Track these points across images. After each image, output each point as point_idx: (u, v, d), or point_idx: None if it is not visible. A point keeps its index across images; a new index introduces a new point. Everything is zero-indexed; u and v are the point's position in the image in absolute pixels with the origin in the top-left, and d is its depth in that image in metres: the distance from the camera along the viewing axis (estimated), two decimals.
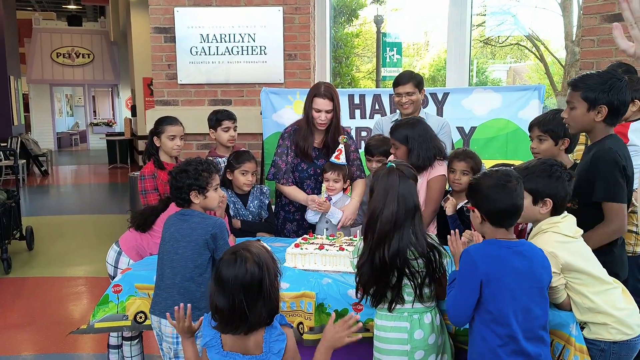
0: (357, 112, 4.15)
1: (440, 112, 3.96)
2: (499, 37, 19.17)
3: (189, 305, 1.88)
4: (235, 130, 3.58)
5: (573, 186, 2.13)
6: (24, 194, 10.40)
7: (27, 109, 17.70)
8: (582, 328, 2.03)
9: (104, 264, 3.05)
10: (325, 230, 3.14)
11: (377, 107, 4.12)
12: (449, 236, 2.15)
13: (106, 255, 3.02)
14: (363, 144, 4.05)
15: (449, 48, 4.70)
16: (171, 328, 2.35)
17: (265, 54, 4.59)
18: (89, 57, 18.34)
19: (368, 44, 18.50)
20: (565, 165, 2.21)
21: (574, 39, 13.69)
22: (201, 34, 4.59)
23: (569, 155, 2.66)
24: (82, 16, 18.64)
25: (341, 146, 3.20)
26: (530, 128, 2.70)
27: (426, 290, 2.05)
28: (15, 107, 13.16)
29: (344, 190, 3.32)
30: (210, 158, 3.37)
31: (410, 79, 3.32)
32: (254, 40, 4.58)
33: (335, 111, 3.26)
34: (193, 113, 4.53)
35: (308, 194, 3.29)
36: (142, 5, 9.90)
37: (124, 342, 2.95)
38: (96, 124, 21.36)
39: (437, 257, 2.05)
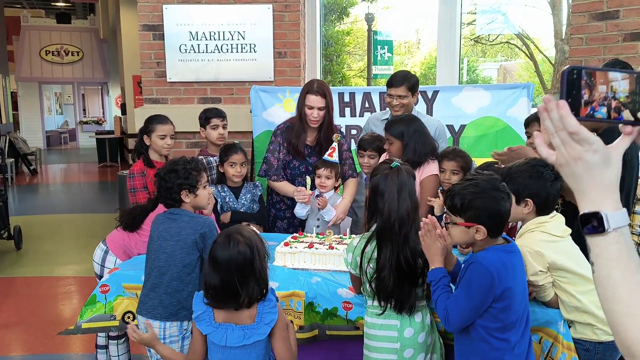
0: (347, 110, 4.15)
1: (430, 111, 3.96)
2: (489, 35, 19.24)
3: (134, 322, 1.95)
4: (224, 128, 3.56)
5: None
6: (13, 193, 10.31)
7: (15, 107, 17.55)
8: (569, 326, 2.04)
9: (92, 263, 3.02)
10: (315, 227, 3.13)
11: (367, 105, 4.11)
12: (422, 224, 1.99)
13: (93, 254, 3.00)
14: (353, 142, 4.05)
15: (439, 46, 4.70)
16: (158, 329, 2.33)
17: (255, 51, 4.57)
18: (78, 55, 18.20)
19: (359, 41, 18.49)
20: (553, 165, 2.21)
21: (563, 37, 13.76)
22: (190, 32, 4.56)
23: None
24: (72, 13, 18.47)
25: (335, 144, 3.20)
26: (528, 124, 2.70)
27: (419, 290, 2.05)
28: (4, 105, 13.04)
29: (335, 189, 3.31)
30: (202, 157, 3.36)
31: (403, 81, 3.21)
32: (244, 38, 4.55)
33: (328, 109, 3.25)
34: (182, 111, 4.50)
35: None
36: (131, 2, 9.83)
37: (110, 341, 2.93)
38: (86, 122, 21.18)
39: None
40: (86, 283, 4.89)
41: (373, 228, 2.08)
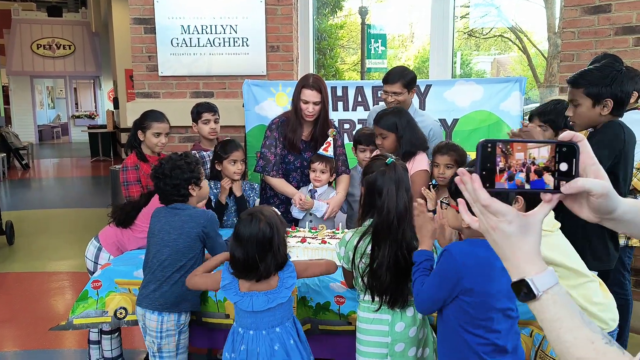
0: (340, 105, 4.14)
1: (422, 105, 3.96)
2: (482, 29, 19.25)
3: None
4: (216, 123, 3.55)
5: None
6: (5, 188, 10.25)
7: (7, 101, 17.42)
8: None
9: (84, 259, 3.01)
10: (308, 222, 3.13)
11: (359, 99, 4.11)
12: (415, 204, 2.03)
13: (85, 250, 2.99)
14: (346, 136, 4.05)
15: (432, 40, 4.69)
16: (155, 322, 2.34)
17: (247, 45, 4.54)
18: (70, 49, 18.06)
19: (353, 35, 18.45)
20: None
21: (556, 30, 13.79)
22: (182, 25, 4.53)
23: None
24: (63, 7, 18.31)
25: (330, 139, 3.20)
26: (530, 118, 2.71)
27: (410, 284, 2.05)
28: None
29: (329, 184, 3.31)
30: (194, 152, 3.35)
31: (399, 78, 3.18)
32: (236, 32, 4.53)
33: (324, 103, 3.24)
34: (174, 105, 4.48)
35: (294, 187, 3.28)
36: None
37: (103, 336, 2.93)
38: (78, 117, 21.07)
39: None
40: (79, 278, 4.88)
41: (367, 223, 2.08)
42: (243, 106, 4.26)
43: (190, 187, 2.42)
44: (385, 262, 2.00)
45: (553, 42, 14.01)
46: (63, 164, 14.39)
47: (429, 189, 2.90)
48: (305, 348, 2.11)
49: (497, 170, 0.82)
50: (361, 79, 13.67)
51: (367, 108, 4.05)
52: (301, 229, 2.88)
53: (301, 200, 3.14)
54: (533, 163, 0.82)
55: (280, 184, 3.29)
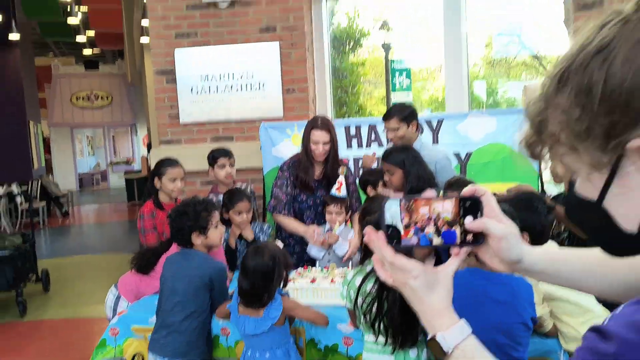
0: (354, 142, 4.18)
1: (435, 139, 3.96)
2: (506, 58, 19.14)
3: None
4: (232, 167, 3.62)
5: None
6: (45, 235, 10.61)
7: (48, 150, 18.18)
8: (569, 357, 2.00)
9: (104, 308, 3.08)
10: (327, 262, 3.12)
11: (373, 137, 4.15)
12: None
13: (105, 298, 3.06)
14: (361, 172, 4.07)
15: (447, 72, 4.68)
16: None
17: (264, 89, 4.67)
18: (107, 99, 18.86)
19: (378, 70, 18.61)
20: (545, 200, 2.20)
21: None
22: (201, 74, 4.70)
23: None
24: (100, 60, 19.22)
25: (341, 178, 3.24)
26: None
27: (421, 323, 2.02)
28: (35, 151, 13.52)
29: (345, 222, 3.33)
30: (212, 195, 3.43)
31: (395, 113, 3.30)
32: (252, 77, 4.67)
33: (333, 142, 3.32)
34: (195, 151, 4.61)
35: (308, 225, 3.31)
36: None
37: None
38: (116, 163, 21.79)
39: None
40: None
41: (369, 264, 2.08)
42: (260, 149, 4.35)
43: (193, 234, 2.46)
44: (397, 303, 1.98)
45: None
46: (101, 210, 14.84)
47: None
48: None
49: (403, 226, 0.84)
50: None
51: (380, 144, 4.08)
52: (313, 269, 2.88)
53: (317, 233, 3.15)
54: (438, 217, 0.83)
55: (290, 223, 3.33)
